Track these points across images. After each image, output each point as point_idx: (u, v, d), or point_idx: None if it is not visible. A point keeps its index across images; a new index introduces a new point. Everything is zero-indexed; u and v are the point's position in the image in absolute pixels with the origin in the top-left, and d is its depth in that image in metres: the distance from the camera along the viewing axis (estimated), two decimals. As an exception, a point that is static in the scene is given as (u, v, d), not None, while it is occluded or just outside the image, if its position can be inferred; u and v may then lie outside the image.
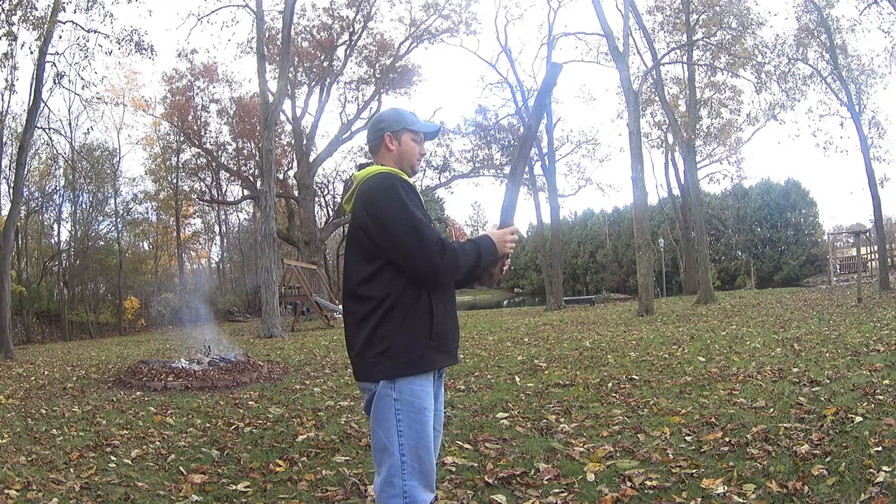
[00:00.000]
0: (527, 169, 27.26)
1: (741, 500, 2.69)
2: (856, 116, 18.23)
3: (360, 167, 2.11)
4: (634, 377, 5.89)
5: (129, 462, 3.95)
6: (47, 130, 17.83)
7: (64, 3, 13.63)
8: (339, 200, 34.61)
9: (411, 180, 2.06)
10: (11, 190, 17.64)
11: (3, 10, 12.87)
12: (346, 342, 2.06)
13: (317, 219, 33.14)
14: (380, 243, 1.90)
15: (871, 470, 2.81)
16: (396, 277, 1.91)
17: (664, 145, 29.75)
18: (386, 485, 1.91)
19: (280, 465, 3.75)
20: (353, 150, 33.17)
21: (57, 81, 14.70)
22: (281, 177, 31.26)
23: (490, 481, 3.20)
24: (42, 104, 14.46)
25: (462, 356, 8.43)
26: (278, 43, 20.09)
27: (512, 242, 2.07)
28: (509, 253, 2.08)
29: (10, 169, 22.24)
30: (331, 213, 35.76)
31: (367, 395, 1.99)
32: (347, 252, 2.03)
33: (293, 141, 30.71)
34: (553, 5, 24.10)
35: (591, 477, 3.16)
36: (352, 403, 5.53)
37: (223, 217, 41.42)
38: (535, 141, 2.55)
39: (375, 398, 1.94)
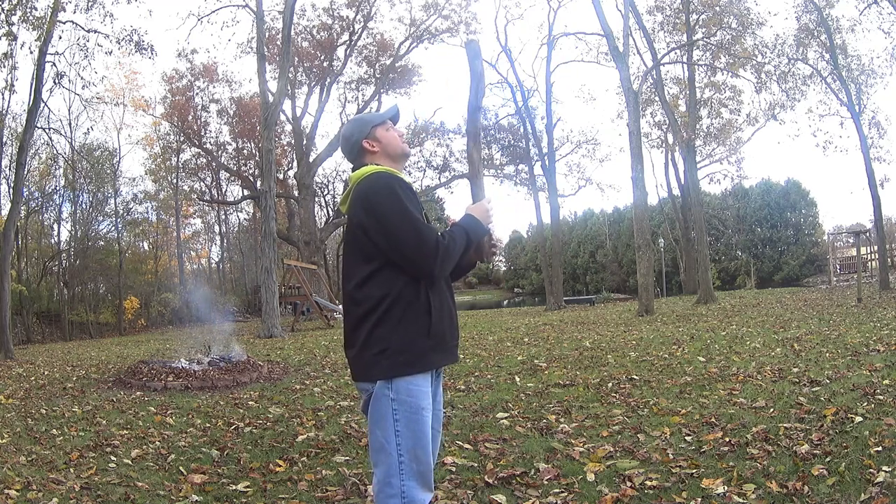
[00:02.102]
0: (526, 168, 27.62)
1: (741, 500, 2.68)
2: (856, 116, 18.23)
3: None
4: (634, 377, 5.89)
5: (129, 462, 3.95)
6: (47, 130, 17.87)
7: (64, 3, 13.64)
8: (338, 200, 34.58)
9: (409, 179, 2.07)
10: (11, 190, 17.65)
11: (3, 10, 12.87)
12: (343, 343, 2.06)
13: (317, 219, 33.16)
14: (379, 243, 1.90)
15: (871, 470, 2.81)
16: (394, 277, 1.91)
17: (664, 145, 29.77)
18: (384, 485, 1.90)
19: (280, 465, 3.75)
20: (353, 151, 33.14)
21: (57, 81, 14.72)
22: (281, 177, 31.27)
23: (490, 481, 3.19)
24: (42, 104, 14.46)
25: (462, 356, 8.43)
26: (278, 43, 20.09)
27: (491, 211, 2.16)
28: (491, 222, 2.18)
29: (10, 169, 22.27)
30: (331, 213, 35.79)
31: (364, 395, 1.99)
32: (345, 253, 2.03)
33: (293, 141, 30.72)
34: (553, 5, 24.16)
35: (591, 477, 3.16)
36: (352, 403, 5.52)
37: (223, 217, 41.50)
38: (479, 129, 2.67)
39: (373, 398, 1.93)
